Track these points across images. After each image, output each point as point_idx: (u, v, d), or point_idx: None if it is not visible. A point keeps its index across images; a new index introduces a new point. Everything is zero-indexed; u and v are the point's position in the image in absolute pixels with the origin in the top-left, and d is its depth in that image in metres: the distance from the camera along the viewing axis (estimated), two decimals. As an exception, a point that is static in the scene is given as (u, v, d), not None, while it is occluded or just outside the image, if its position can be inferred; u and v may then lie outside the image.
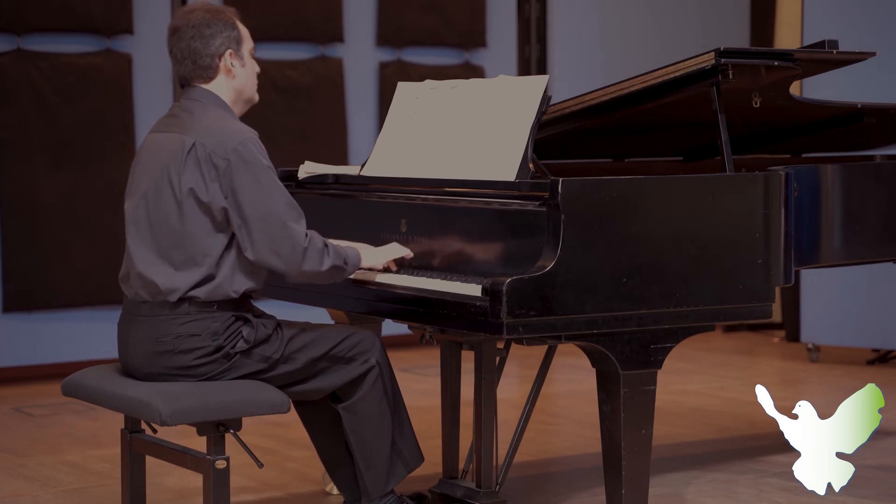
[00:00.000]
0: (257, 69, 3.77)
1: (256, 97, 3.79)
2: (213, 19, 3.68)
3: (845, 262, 4.27)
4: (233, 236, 3.58)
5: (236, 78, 3.70)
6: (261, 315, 3.69)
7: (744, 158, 4.75)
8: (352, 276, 3.77)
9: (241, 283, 3.60)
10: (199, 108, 3.66)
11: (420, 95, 4.11)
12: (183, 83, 3.74)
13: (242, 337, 3.58)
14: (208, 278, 3.55)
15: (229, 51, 3.68)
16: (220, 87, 3.70)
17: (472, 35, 7.89)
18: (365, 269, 3.76)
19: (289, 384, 3.67)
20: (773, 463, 4.91)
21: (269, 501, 4.50)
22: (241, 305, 3.63)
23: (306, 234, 3.56)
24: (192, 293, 3.55)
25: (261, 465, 3.62)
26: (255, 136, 3.60)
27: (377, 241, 3.93)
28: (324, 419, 3.92)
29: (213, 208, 3.53)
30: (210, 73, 3.68)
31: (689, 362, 7.21)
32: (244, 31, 3.74)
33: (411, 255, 3.81)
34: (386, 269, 3.80)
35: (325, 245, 3.59)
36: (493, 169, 3.73)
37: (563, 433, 5.56)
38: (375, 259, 3.76)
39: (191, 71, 3.68)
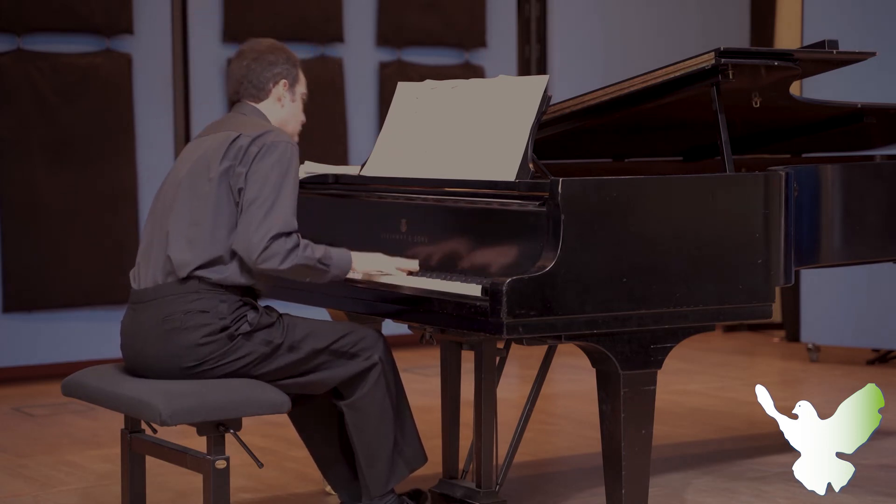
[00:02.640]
0: (303, 118, 3.87)
1: (296, 139, 3.85)
2: (278, 52, 3.81)
3: (845, 262, 4.27)
4: None
5: (283, 108, 3.80)
6: (266, 306, 3.70)
7: (744, 158, 4.75)
8: (351, 276, 3.75)
9: (250, 277, 3.63)
10: (247, 116, 3.76)
11: (420, 95, 4.11)
12: (232, 102, 3.83)
13: (247, 320, 3.60)
14: (218, 261, 3.58)
15: (284, 81, 3.78)
16: (268, 109, 3.79)
17: (472, 35, 7.89)
18: (358, 272, 3.73)
19: (291, 376, 3.67)
20: (773, 463, 4.91)
21: (269, 501, 4.50)
22: (247, 292, 3.65)
23: (280, 235, 3.53)
24: (201, 272, 3.57)
25: (261, 465, 3.63)
26: (297, 148, 3.68)
27: (377, 241, 3.93)
28: (316, 419, 3.93)
29: (235, 192, 3.60)
30: (261, 95, 3.78)
31: (689, 362, 7.22)
32: (302, 77, 3.85)
33: (416, 269, 3.77)
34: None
35: (295, 247, 3.55)
36: (493, 169, 3.73)
37: (563, 433, 5.56)
38: (369, 265, 3.73)
39: (244, 89, 3.78)
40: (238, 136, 3.63)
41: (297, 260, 3.56)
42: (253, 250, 3.54)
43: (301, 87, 3.85)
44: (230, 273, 3.59)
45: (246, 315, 3.61)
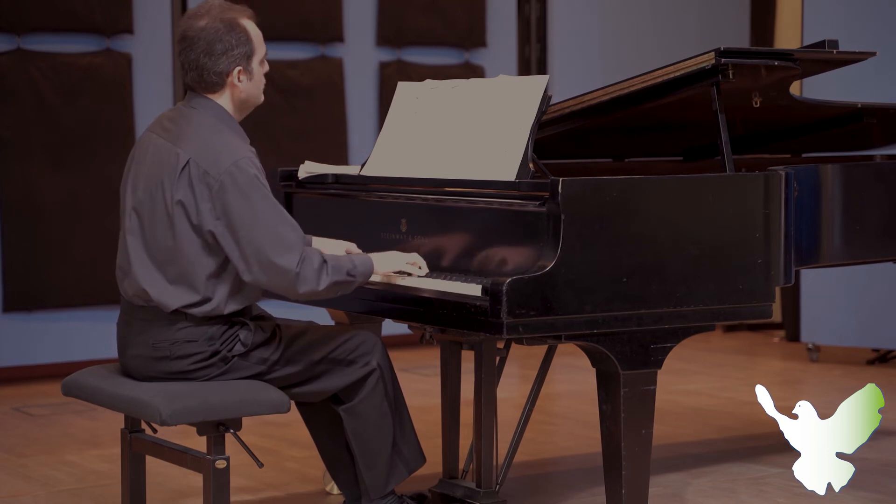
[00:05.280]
0: (266, 69, 3.68)
1: (262, 98, 3.70)
2: (225, 33, 3.56)
3: (845, 262, 4.27)
4: (224, 260, 3.53)
5: (242, 92, 3.62)
6: (259, 317, 3.68)
7: (744, 158, 4.75)
8: (384, 275, 3.73)
9: (236, 304, 3.58)
10: (198, 118, 3.60)
11: (420, 95, 4.11)
12: (187, 87, 3.68)
13: (240, 340, 3.57)
14: (202, 301, 3.53)
15: (238, 68, 3.59)
16: (225, 99, 3.63)
17: (472, 35, 7.89)
18: (382, 274, 3.68)
19: (289, 386, 3.66)
20: (773, 463, 4.91)
21: (269, 501, 4.50)
22: (238, 312, 3.62)
23: (301, 256, 3.45)
24: (187, 311, 3.53)
25: (261, 465, 3.62)
26: (252, 154, 3.53)
27: (377, 241, 3.93)
28: (326, 419, 3.92)
29: (202, 229, 3.49)
30: (215, 88, 3.61)
31: (689, 362, 7.21)
32: (256, 40, 3.62)
33: (425, 272, 3.73)
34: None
35: (323, 262, 3.48)
36: (493, 169, 3.73)
37: (563, 433, 5.56)
38: (388, 266, 3.67)
39: (196, 82, 3.60)
40: (187, 163, 3.48)
41: (331, 277, 3.48)
42: (288, 284, 3.45)
43: (258, 57, 3.62)
44: (216, 307, 3.54)
45: (238, 335, 3.57)
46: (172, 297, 3.53)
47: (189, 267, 3.51)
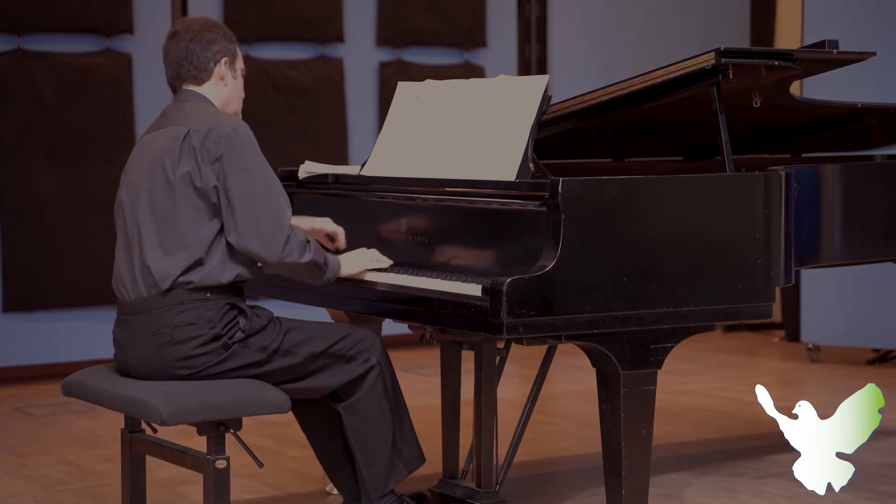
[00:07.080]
0: (243, 93, 3.83)
1: (240, 117, 3.82)
2: (214, 28, 3.75)
3: (845, 262, 4.26)
4: (222, 225, 3.60)
5: (227, 87, 3.75)
6: (254, 307, 3.70)
7: (744, 158, 4.75)
8: (350, 276, 3.77)
9: (232, 270, 3.61)
10: (189, 105, 3.70)
11: (420, 95, 4.11)
12: (174, 88, 3.77)
13: (239, 327, 3.59)
14: (198, 263, 3.57)
15: (225, 59, 3.73)
16: (211, 91, 3.73)
17: (472, 35, 7.89)
18: (345, 276, 3.79)
19: (288, 381, 3.66)
20: (773, 463, 4.91)
21: (269, 501, 4.50)
22: (233, 293, 3.64)
23: (290, 225, 3.59)
24: (184, 278, 3.56)
25: (261, 465, 3.63)
26: (247, 126, 3.65)
27: (377, 241, 3.93)
28: (321, 420, 3.92)
29: (207, 191, 3.56)
30: (203, 76, 3.72)
31: (689, 362, 7.22)
32: (239, 52, 3.82)
33: (389, 264, 3.83)
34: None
35: (308, 240, 3.62)
36: (493, 169, 3.73)
37: (563, 433, 5.56)
38: (354, 268, 3.79)
39: (185, 71, 3.72)
40: (188, 133, 3.59)
41: (311, 255, 3.61)
42: (274, 246, 3.56)
43: (240, 63, 3.80)
44: (210, 272, 3.57)
45: (237, 321, 3.60)
46: (171, 265, 3.57)
47: (187, 232, 3.57)
